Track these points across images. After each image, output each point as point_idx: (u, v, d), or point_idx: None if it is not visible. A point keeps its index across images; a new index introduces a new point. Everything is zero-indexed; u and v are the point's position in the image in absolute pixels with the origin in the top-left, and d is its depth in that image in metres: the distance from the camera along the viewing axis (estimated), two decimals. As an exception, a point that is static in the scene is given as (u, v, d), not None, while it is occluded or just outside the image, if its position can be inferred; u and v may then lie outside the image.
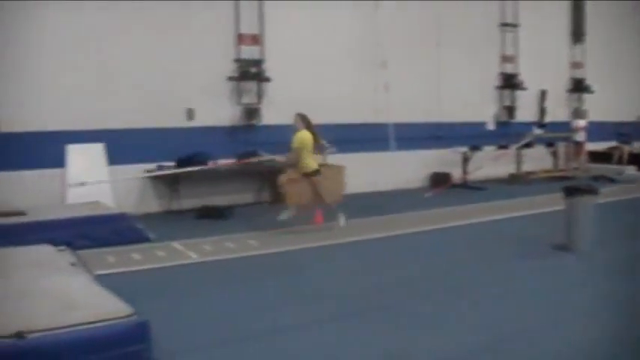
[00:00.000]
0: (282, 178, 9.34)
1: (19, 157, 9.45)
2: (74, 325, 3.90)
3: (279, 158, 9.95)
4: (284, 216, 9.27)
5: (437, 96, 14.53)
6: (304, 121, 9.25)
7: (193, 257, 7.89)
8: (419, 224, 9.97)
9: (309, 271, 7.47)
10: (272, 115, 12.14)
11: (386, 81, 13.21)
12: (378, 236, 9.18)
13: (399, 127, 13.31)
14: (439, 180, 14.20)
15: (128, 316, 4.09)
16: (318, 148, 9.64)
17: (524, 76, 16.14)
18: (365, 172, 13.05)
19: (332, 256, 8.23)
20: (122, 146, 10.34)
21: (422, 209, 11.34)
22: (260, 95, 12.22)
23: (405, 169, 13.92)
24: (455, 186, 13.91)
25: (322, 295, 6.39)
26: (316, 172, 9.37)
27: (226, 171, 11.51)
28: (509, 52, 16.13)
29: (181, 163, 10.84)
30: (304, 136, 9.12)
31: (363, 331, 5.37)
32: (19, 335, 3.72)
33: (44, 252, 5.84)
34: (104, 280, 5.19)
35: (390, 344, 5.04)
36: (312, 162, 9.31)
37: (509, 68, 16.21)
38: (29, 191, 9.32)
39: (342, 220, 9.70)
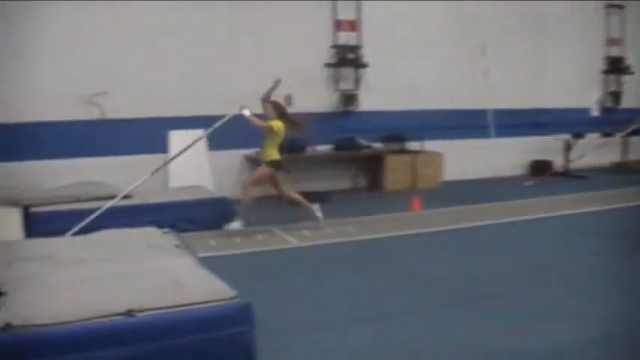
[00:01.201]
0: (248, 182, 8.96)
1: (124, 142, 9.79)
2: (181, 305, 4.01)
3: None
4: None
5: (538, 81, 14.04)
6: (277, 109, 8.72)
7: (292, 242, 7.97)
8: (518, 213, 9.66)
9: (408, 257, 7.39)
10: (369, 101, 12.09)
11: (485, 66, 12.89)
12: (477, 224, 8.98)
13: (498, 113, 12.96)
14: (539, 168, 13.75)
15: (232, 298, 4.16)
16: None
17: (632, 60, 15.37)
18: (463, 159, 12.83)
19: (430, 243, 8.11)
20: (222, 132, 10.50)
21: (521, 198, 11.02)
22: (357, 81, 12.17)
23: (504, 156, 13.48)
24: (556, 174, 13.44)
25: (422, 282, 6.31)
26: (278, 164, 8.77)
27: (324, 157, 11.59)
28: (614, 34, 15.39)
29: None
30: (280, 124, 8.59)
31: (471, 318, 5.26)
32: (129, 313, 3.85)
33: (150, 234, 6.02)
34: (206, 263, 5.29)
35: (503, 331, 4.94)
36: (274, 152, 8.72)
37: (614, 52, 15.43)
38: (134, 175, 9.61)
39: (318, 214, 8.87)
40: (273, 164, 8.66)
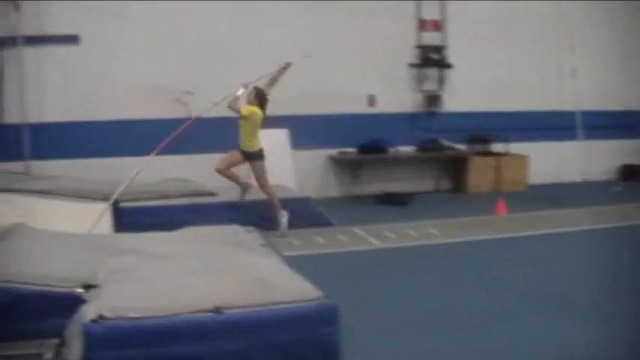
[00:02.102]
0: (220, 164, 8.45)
1: (209, 140, 9.94)
2: (267, 304, 4.01)
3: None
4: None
5: (628, 81, 13.46)
6: (259, 97, 8.30)
7: (375, 243, 7.91)
8: (607, 219, 9.28)
9: (493, 262, 7.21)
10: (454, 102, 11.92)
11: (573, 66, 12.49)
12: (564, 230, 8.65)
13: (586, 115, 12.55)
14: (630, 172, 13.20)
15: (318, 298, 4.14)
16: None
17: None
18: (549, 162, 12.45)
19: (516, 248, 7.88)
20: (305, 132, 10.57)
21: (610, 204, 10.57)
22: (441, 82, 12.01)
23: (592, 159, 13.03)
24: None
25: (507, 288, 6.15)
26: (258, 155, 8.36)
27: (407, 158, 11.48)
28: None
29: (363, 149, 10.98)
30: (255, 110, 8.19)
31: (557, 326, 5.08)
32: (217, 310, 3.88)
33: (235, 232, 6.07)
34: (290, 262, 5.30)
35: (596, 340, 4.76)
36: (256, 141, 8.36)
37: None
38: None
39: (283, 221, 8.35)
40: (257, 156, 8.32)
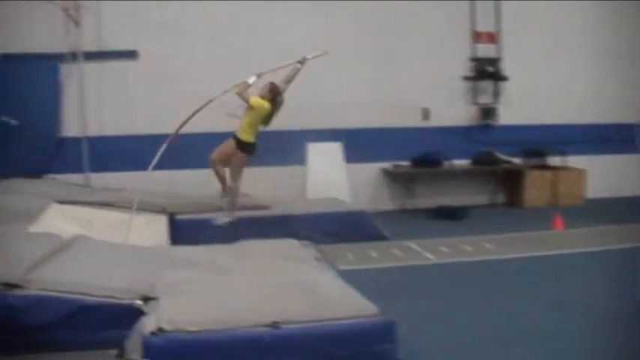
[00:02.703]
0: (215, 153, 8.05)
1: (264, 154, 10.00)
2: (324, 320, 4.01)
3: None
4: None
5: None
6: (272, 92, 7.97)
7: (430, 258, 7.81)
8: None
9: (551, 279, 6.99)
10: (509, 114, 11.70)
11: (632, 77, 12.19)
12: (625, 246, 8.31)
13: (647, 127, 12.24)
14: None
15: (375, 314, 4.12)
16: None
17: None
18: (608, 175, 12.13)
19: (575, 264, 7.62)
20: (359, 145, 10.58)
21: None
22: (496, 94, 11.84)
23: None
24: None
25: (567, 305, 5.96)
26: (247, 148, 7.97)
27: (461, 171, 11.37)
28: None
29: (416, 162, 10.92)
30: (263, 104, 7.85)
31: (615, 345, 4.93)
32: (275, 325, 3.89)
33: (290, 245, 6.09)
34: (345, 276, 5.27)
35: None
36: (252, 134, 7.94)
37: None
38: (273, 186, 9.83)
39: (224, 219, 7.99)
40: (245, 148, 7.95)
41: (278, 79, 8.17)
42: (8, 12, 9.63)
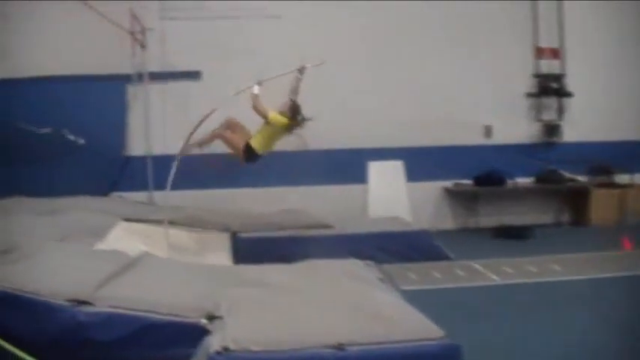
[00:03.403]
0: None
1: (325, 172, 10.07)
2: (389, 342, 3.95)
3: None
4: None
5: None
6: (292, 111, 7.73)
7: (494, 279, 7.67)
8: None
9: (621, 302, 6.80)
10: (574, 131, 11.48)
11: None
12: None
13: None
14: None
15: (440, 337, 4.04)
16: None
17: None
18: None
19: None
20: (420, 163, 10.52)
21: None
22: (561, 111, 11.63)
23: None
24: None
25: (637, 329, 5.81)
26: (253, 157, 7.71)
27: (525, 190, 11.17)
28: None
29: (479, 180, 10.79)
30: (282, 120, 7.61)
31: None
32: (340, 346, 3.86)
33: (353, 265, 6.05)
34: (408, 297, 5.21)
35: None
36: (261, 143, 7.65)
37: None
38: (334, 205, 9.83)
39: None
40: (249, 153, 7.65)
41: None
42: (77, 35, 9.94)
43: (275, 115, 7.57)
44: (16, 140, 9.88)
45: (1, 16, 6.50)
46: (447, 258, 8.54)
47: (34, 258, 5.64)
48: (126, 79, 9.99)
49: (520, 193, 11.28)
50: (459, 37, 10.96)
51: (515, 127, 11.37)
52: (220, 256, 7.47)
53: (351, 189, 10.38)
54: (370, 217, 10.03)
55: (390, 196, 10.18)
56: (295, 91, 7.93)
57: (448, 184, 11.03)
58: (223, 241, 7.92)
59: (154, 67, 10.09)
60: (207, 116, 7.85)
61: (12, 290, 4.74)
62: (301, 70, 7.98)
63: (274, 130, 7.65)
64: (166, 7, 10.38)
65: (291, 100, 7.80)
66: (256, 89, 7.56)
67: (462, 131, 10.99)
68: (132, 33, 9.49)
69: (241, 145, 7.64)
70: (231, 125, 7.71)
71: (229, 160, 9.67)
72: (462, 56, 11.04)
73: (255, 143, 7.60)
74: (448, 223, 11.03)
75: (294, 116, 7.75)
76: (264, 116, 7.53)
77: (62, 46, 10.08)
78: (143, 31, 9.89)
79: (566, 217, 11.65)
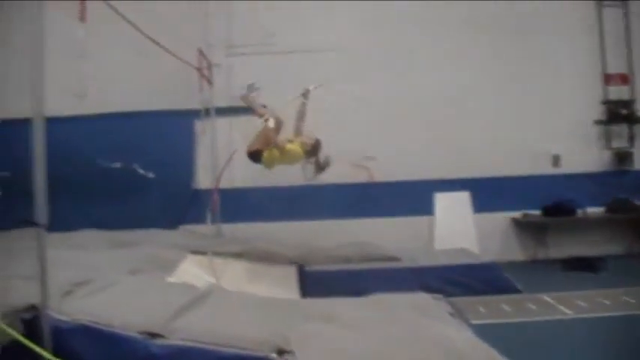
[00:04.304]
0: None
1: (391, 204, 10.08)
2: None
3: None
4: None
5: None
6: (315, 148, 7.60)
7: (567, 312, 7.46)
8: None
9: None
10: (646, 159, 11.20)
11: None
12: None
13: None
14: None
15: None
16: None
17: None
18: None
19: None
20: (487, 194, 10.40)
21: None
22: (632, 138, 11.34)
23: None
24: None
25: None
26: (256, 157, 7.35)
27: (596, 220, 10.88)
28: None
29: (547, 211, 10.58)
30: (298, 153, 7.46)
31: None
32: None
33: (422, 299, 6.01)
34: (477, 331, 5.13)
35: None
36: (270, 159, 7.34)
37: None
38: (400, 237, 9.79)
39: None
40: (255, 155, 7.37)
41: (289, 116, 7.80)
42: (148, 72, 10.26)
43: (292, 148, 7.43)
44: (89, 175, 10.21)
45: (80, 56, 6.76)
46: (516, 291, 8.36)
47: (107, 291, 5.79)
48: (194, 114, 10.20)
49: (590, 223, 10.98)
50: (526, 66, 10.88)
51: (585, 155, 11.14)
52: (288, 289, 7.51)
53: (417, 221, 10.33)
54: (437, 250, 9.94)
55: (456, 228, 10.09)
56: (301, 116, 7.83)
57: (516, 214, 10.83)
58: (290, 274, 7.97)
59: (221, 102, 10.28)
60: (232, 155, 7.97)
61: (87, 322, 4.89)
62: (305, 95, 7.89)
63: (288, 159, 7.52)
64: (232, 44, 10.63)
65: (317, 139, 7.70)
66: (272, 122, 7.29)
67: (529, 161, 10.84)
68: (199, 70, 9.71)
69: (261, 145, 7.34)
70: (278, 126, 7.47)
71: (295, 192, 9.86)
72: (528, 83, 10.93)
73: (267, 157, 7.33)
74: (516, 254, 10.82)
75: (314, 153, 7.66)
76: (281, 148, 7.33)
77: (133, 84, 10.43)
78: (210, 68, 10.12)
79: (638, 248, 11.28)
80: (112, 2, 6.06)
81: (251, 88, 7.74)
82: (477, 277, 8.31)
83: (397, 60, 10.65)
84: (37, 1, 4.67)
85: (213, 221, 9.60)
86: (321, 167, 7.72)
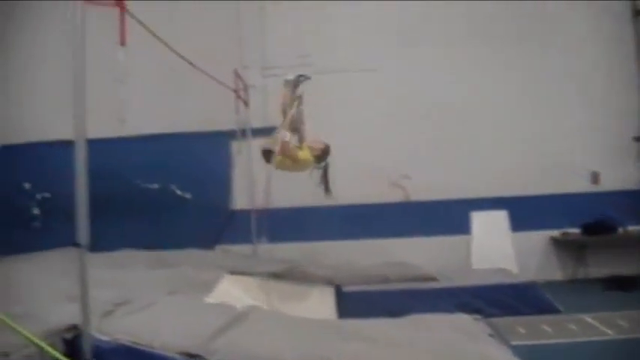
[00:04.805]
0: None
1: (428, 223, 10.04)
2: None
3: None
4: None
5: None
6: (325, 152, 7.53)
7: (609, 333, 7.32)
8: None
9: None
10: (690, 175, 10.96)
11: None
12: None
13: None
14: None
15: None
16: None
17: None
18: None
19: None
20: (524, 212, 10.29)
21: None
22: (673, 154, 11.16)
23: None
24: None
25: None
26: (267, 156, 7.30)
27: (636, 238, 10.68)
28: None
29: (587, 229, 10.42)
30: (309, 160, 7.42)
31: None
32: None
33: (462, 320, 5.93)
34: (518, 352, 5.06)
35: None
36: (280, 163, 7.25)
37: None
38: (437, 257, 9.73)
39: None
40: (268, 154, 7.33)
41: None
42: (184, 94, 10.42)
43: (304, 157, 7.37)
44: (128, 195, 10.36)
45: (120, 79, 6.91)
46: (556, 311, 8.22)
47: (147, 311, 5.84)
48: (230, 135, 10.29)
49: (632, 242, 10.74)
50: (563, 82, 10.75)
51: (624, 172, 10.93)
52: (325, 309, 7.49)
53: (454, 240, 10.24)
54: (475, 269, 9.83)
55: (494, 247, 9.99)
56: (300, 118, 7.63)
57: (555, 233, 10.67)
58: (327, 294, 7.96)
59: (257, 123, 10.36)
60: (269, 179, 8.00)
61: (127, 342, 4.94)
62: (288, 84, 7.64)
63: (300, 167, 7.46)
64: (267, 65, 10.74)
65: (326, 145, 7.62)
66: (287, 136, 7.23)
67: (567, 178, 10.69)
68: (236, 91, 9.80)
69: (281, 149, 7.20)
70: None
71: (331, 212, 9.88)
72: (565, 100, 10.81)
73: (279, 162, 7.24)
74: (556, 274, 10.65)
75: (323, 159, 7.61)
76: (294, 158, 7.28)
77: (170, 105, 10.58)
78: (246, 89, 10.21)
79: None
80: (148, 25, 6.16)
81: (300, 79, 7.65)
82: (516, 297, 8.19)
83: (431, 78, 10.63)
84: (78, 25, 4.76)
85: (253, 241, 9.68)
86: (327, 183, 7.74)
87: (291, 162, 7.30)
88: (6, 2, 10.90)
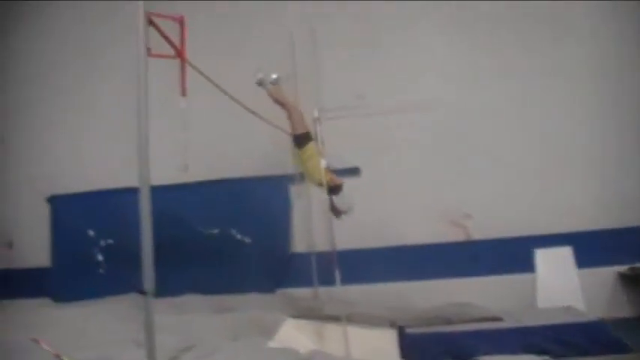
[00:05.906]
0: None
1: (490, 262, 9.88)
2: None
3: None
4: None
5: None
6: (336, 189, 7.99)
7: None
8: None
9: None
10: None
11: None
12: None
13: None
14: None
15: None
16: None
17: None
18: None
19: None
20: (590, 248, 10.03)
21: None
22: None
23: None
24: None
25: None
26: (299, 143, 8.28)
27: None
28: None
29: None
30: (318, 176, 7.95)
31: None
32: None
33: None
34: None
35: None
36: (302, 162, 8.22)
37: None
38: (501, 296, 9.57)
39: None
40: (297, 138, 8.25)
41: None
42: (242, 139, 10.61)
43: (319, 173, 7.94)
44: (190, 241, 10.50)
45: (182, 128, 7.11)
46: (628, 350, 7.93)
47: (211, 357, 5.89)
48: (289, 179, 10.38)
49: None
50: (628, 112, 10.48)
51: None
52: (388, 352, 7.42)
53: (518, 279, 9.98)
54: (541, 308, 9.59)
55: (559, 285, 9.74)
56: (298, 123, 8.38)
57: (622, 268, 10.33)
58: (390, 337, 7.88)
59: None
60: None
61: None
62: (263, 83, 8.65)
63: (307, 172, 8.22)
64: (323, 107, 10.83)
65: (341, 183, 8.06)
66: (324, 163, 7.94)
67: (633, 211, 10.37)
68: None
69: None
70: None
71: (391, 253, 9.85)
72: (626, 127, 10.45)
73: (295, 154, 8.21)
74: (625, 311, 10.25)
75: (331, 191, 7.99)
76: (319, 184, 7.93)
77: (229, 151, 10.76)
78: (304, 132, 10.32)
79: None
80: (209, 72, 6.31)
81: (274, 80, 8.65)
82: (585, 336, 7.91)
83: (487, 115, 10.53)
84: (141, 76, 4.92)
85: (313, 284, 9.69)
86: (337, 210, 8.11)
87: (306, 157, 8.10)
88: (68, 52, 11.41)
